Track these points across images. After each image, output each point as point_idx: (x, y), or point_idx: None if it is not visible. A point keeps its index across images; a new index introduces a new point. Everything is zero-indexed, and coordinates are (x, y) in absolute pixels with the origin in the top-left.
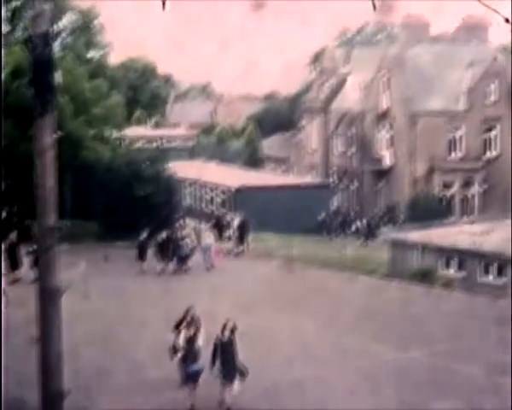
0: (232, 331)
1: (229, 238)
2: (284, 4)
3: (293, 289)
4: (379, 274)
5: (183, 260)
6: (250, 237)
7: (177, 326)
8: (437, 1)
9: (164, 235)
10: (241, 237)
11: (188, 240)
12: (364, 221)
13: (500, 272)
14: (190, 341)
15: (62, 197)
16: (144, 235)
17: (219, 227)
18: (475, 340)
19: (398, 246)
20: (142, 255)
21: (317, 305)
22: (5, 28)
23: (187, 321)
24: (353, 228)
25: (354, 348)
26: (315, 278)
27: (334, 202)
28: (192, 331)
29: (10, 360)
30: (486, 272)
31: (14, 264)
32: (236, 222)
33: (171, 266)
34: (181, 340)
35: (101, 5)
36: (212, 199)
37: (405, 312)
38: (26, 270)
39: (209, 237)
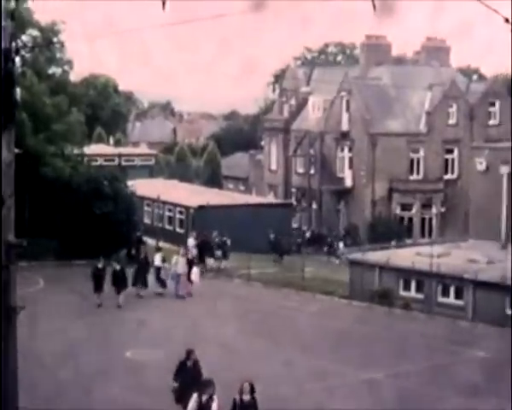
0: (252, 393)
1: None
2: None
3: (251, 310)
4: (338, 294)
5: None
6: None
7: (177, 373)
8: (437, 1)
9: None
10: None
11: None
12: (324, 241)
13: (458, 294)
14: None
15: (21, 214)
16: (100, 264)
17: (204, 248)
18: (433, 361)
19: (358, 266)
20: (98, 287)
21: (275, 326)
22: None
23: (200, 386)
24: (313, 248)
25: (313, 369)
26: (274, 298)
27: (294, 222)
28: (205, 397)
29: None
30: (445, 293)
31: None
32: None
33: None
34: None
35: (101, 5)
36: (172, 218)
37: (364, 332)
38: None
39: (182, 263)
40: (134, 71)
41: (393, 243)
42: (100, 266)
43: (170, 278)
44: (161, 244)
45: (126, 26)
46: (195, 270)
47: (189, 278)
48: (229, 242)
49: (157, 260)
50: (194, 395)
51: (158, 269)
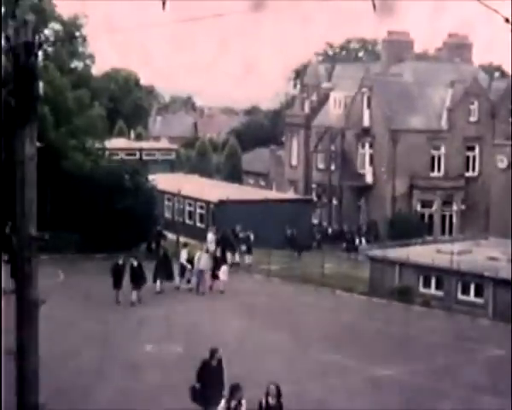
0: (278, 396)
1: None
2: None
3: (270, 305)
4: (358, 291)
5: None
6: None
7: (200, 373)
8: (437, 1)
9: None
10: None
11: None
12: (345, 238)
13: (479, 292)
14: None
15: (43, 208)
16: (120, 260)
17: (224, 242)
18: (453, 358)
19: (378, 263)
20: (117, 283)
21: (297, 322)
22: None
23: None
24: (334, 244)
25: (332, 364)
26: (293, 294)
27: (315, 218)
28: (233, 403)
29: None
30: (465, 291)
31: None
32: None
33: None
34: None
35: (101, 5)
36: (192, 212)
37: (384, 329)
38: (5, 279)
39: (205, 259)
40: (155, 65)
41: (414, 240)
42: (120, 262)
43: (193, 275)
44: (182, 239)
45: (126, 25)
46: (224, 268)
47: (214, 275)
48: (252, 236)
49: (183, 256)
50: (223, 401)
51: (182, 265)
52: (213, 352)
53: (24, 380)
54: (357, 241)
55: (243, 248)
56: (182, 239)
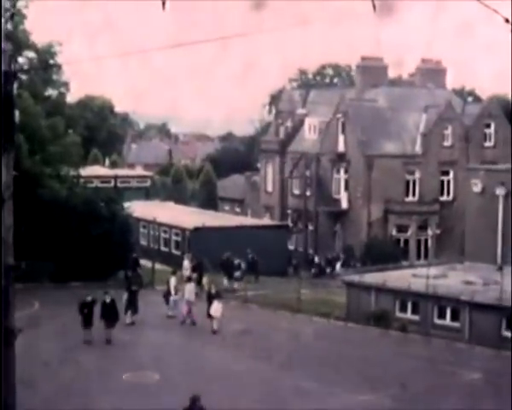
0: None
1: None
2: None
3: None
4: (334, 316)
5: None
6: (205, 279)
7: None
8: (436, 1)
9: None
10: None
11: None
12: (320, 263)
13: (455, 316)
14: None
15: (18, 236)
16: (88, 297)
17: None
18: (430, 383)
19: (354, 288)
20: (87, 322)
21: (273, 347)
22: None
23: None
24: (309, 270)
25: (308, 390)
26: (270, 320)
27: (291, 244)
28: None
29: None
30: (441, 315)
31: None
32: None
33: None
34: None
35: (101, 5)
36: (168, 240)
37: (359, 354)
38: None
39: (191, 290)
40: (130, 92)
41: (390, 264)
42: (88, 299)
43: (176, 305)
44: (157, 266)
45: (125, 25)
46: (216, 305)
47: (208, 315)
48: (243, 264)
49: (172, 283)
50: None
51: (169, 293)
52: (194, 400)
53: (2, 406)
54: (337, 266)
55: (236, 274)
56: (157, 266)
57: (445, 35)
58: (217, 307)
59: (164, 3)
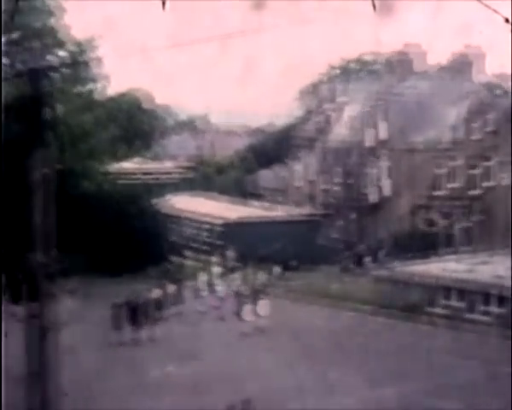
0: None
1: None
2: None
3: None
4: (366, 309)
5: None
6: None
7: None
8: (436, 1)
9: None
10: None
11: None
12: (362, 252)
13: (486, 309)
14: None
15: (56, 231)
16: (119, 299)
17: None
18: (461, 377)
19: (386, 281)
20: (117, 324)
21: (305, 340)
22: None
23: None
24: (342, 262)
25: (339, 383)
26: (304, 312)
27: (332, 234)
28: None
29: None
30: (472, 308)
31: (15, 298)
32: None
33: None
34: None
35: (101, 5)
36: (201, 234)
37: (391, 347)
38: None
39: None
40: (164, 87)
41: (422, 256)
42: (119, 301)
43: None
44: (190, 261)
45: (125, 24)
46: (262, 303)
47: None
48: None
49: (202, 278)
50: None
51: (200, 287)
52: (246, 402)
53: (46, 402)
54: (379, 255)
55: (292, 264)
56: (190, 261)
57: (444, 35)
58: (262, 305)
59: (164, 3)
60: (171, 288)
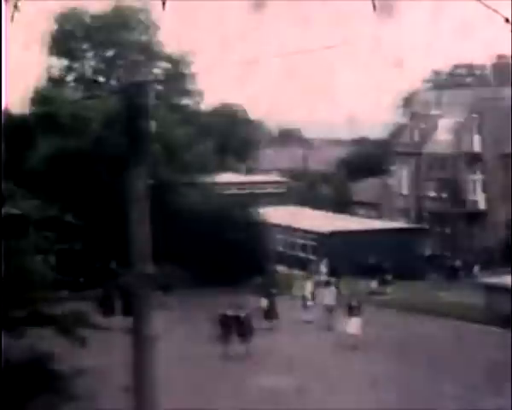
0: None
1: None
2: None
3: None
4: (473, 319)
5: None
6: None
7: None
8: (436, 1)
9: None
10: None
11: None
12: (458, 265)
13: None
14: None
15: (154, 244)
16: (229, 311)
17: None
18: None
19: (493, 290)
20: (226, 337)
21: (417, 352)
22: (100, 78)
23: None
24: (446, 273)
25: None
26: (411, 324)
27: (427, 247)
28: None
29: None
30: None
31: (107, 310)
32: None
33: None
34: None
35: (100, 5)
36: (303, 245)
37: (503, 360)
38: (117, 317)
39: (328, 294)
40: (263, 99)
41: None
42: (229, 313)
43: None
44: (293, 272)
45: (217, 40)
46: (355, 321)
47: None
48: (387, 266)
49: (307, 288)
50: None
51: (305, 298)
52: None
53: None
54: (475, 268)
55: (387, 278)
56: (285, 275)
57: (444, 35)
58: (356, 324)
59: (164, 3)
60: (266, 301)
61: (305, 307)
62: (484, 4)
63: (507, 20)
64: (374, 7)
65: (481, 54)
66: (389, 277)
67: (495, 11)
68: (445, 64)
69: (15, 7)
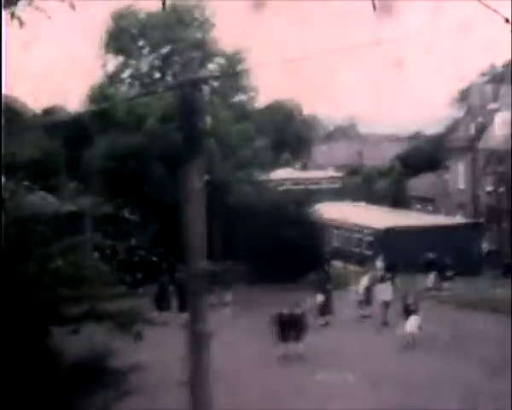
0: None
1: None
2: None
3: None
4: None
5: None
6: (398, 279)
7: None
8: (436, 1)
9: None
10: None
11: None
12: (505, 265)
13: None
14: None
15: (210, 241)
16: (285, 310)
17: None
18: None
19: None
20: (284, 336)
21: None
22: (155, 75)
23: None
24: (503, 268)
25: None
26: (468, 320)
27: (484, 242)
28: None
29: (163, 403)
30: None
31: (162, 306)
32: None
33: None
34: None
35: (100, 5)
36: (359, 240)
37: None
38: (173, 313)
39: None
40: (317, 95)
41: None
42: (285, 311)
43: (369, 305)
44: (349, 267)
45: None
46: (413, 320)
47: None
48: (448, 262)
49: (363, 283)
50: None
51: (361, 294)
52: None
53: None
54: None
55: (448, 274)
56: (341, 271)
57: (444, 35)
58: (414, 323)
59: (164, 3)
60: (322, 297)
61: (360, 302)
62: (484, 4)
63: (507, 20)
64: (374, 7)
65: (481, 54)
66: (450, 273)
67: (495, 11)
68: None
69: (13, 15)
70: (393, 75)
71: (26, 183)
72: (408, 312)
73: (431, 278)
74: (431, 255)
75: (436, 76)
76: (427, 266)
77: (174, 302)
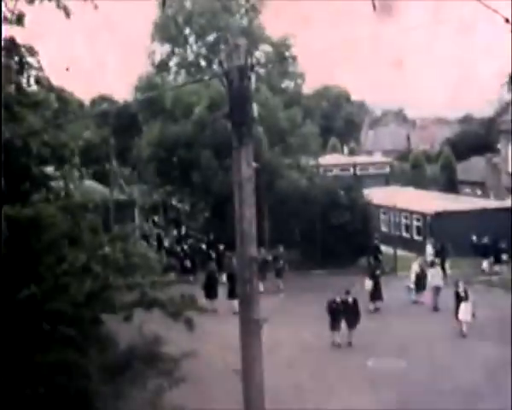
0: None
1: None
2: None
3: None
4: None
5: None
6: (447, 263)
7: None
8: (436, 1)
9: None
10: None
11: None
12: None
13: None
14: None
15: (260, 227)
16: (338, 297)
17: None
18: None
19: None
20: (335, 324)
21: None
22: (202, 63)
23: None
24: None
25: None
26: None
27: None
28: None
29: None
30: None
31: (211, 294)
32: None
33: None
34: None
35: (100, 5)
36: (408, 225)
37: None
38: (221, 301)
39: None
40: (365, 79)
41: None
42: (337, 299)
43: (420, 290)
44: (399, 252)
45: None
46: (464, 307)
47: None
48: (503, 245)
49: (414, 269)
50: None
51: (412, 279)
52: None
53: (249, 397)
54: None
55: (504, 257)
56: (399, 253)
57: (444, 35)
58: (465, 310)
59: (164, 3)
60: (371, 282)
61: (410, 288)
62: (484, 4)
63: (507, 20)
64: (374, 7)
65: (481, 54)
66: (505, 256)
67: (495, 11)
68: None
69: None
70: (441, 59)
71: (77, 172)
72: (459, 298)
73: (485, 262)
74: (485, 240)
75: (486, 58)
76: (483, 250)
77: (221, 290)
